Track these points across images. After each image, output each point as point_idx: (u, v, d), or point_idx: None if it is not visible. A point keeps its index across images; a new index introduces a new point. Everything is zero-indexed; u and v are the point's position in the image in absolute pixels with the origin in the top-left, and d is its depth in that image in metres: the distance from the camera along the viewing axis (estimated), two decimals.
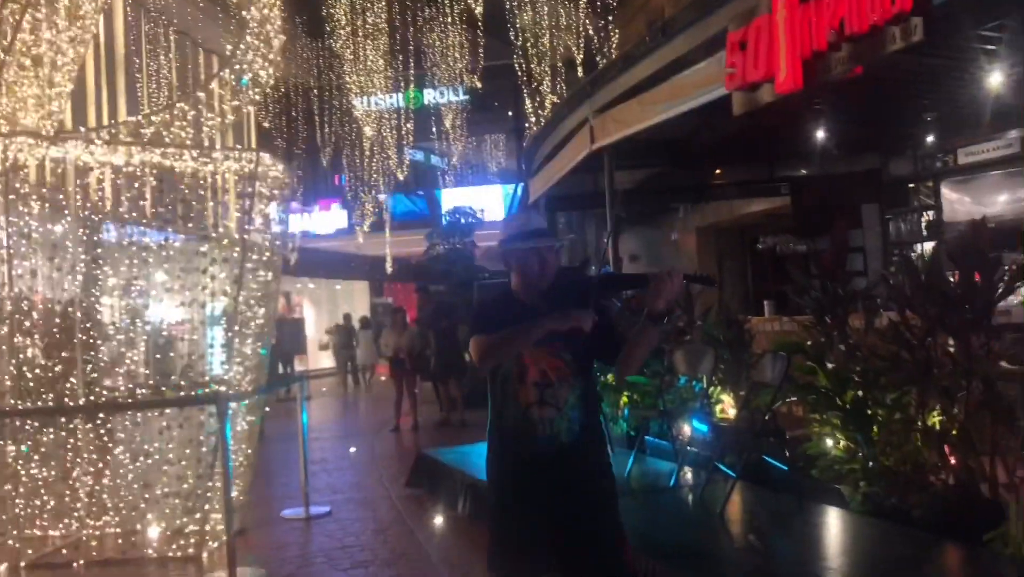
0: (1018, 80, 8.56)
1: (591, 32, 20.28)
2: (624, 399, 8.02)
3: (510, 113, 28.51)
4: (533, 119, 20.80)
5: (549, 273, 3.16)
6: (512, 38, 21.38)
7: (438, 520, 7.03)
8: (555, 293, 3.14)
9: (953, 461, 4.80)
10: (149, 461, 6.54)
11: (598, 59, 19.17)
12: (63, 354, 6.55)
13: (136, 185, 6.63)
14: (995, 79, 8.58)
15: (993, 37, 7.43)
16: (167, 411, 6.54)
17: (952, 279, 5.02)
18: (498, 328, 3.07)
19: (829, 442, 5.46)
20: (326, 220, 29.65)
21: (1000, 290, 4.75)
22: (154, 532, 6.48)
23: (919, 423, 4.97)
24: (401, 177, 26.61)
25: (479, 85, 24.96)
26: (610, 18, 19.93)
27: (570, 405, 3.09)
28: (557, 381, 3.09)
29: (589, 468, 3.14)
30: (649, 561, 4.49)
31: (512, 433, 3.13)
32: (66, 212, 6.63)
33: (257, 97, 7.31)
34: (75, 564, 6.20)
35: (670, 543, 4.89)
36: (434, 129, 26.62)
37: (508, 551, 3.14)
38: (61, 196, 6.60)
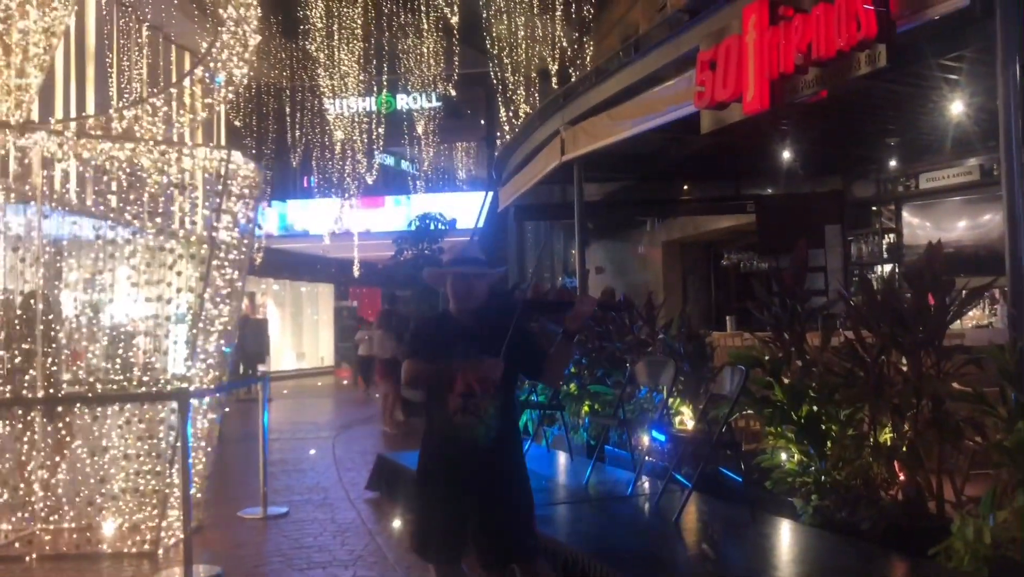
0: (977, 109, 8.79)
1: (566, 45, 20.45)
2: (585, 408, 8.10)
3: (482, 122, 28.61)
4: (506, 128, 20.90)
5: (474, 297, 3.65)
6: (487, 47, 21.48)
7: (396, 523, 7.05)
8: (484, 313, 3.65)
9: (902, 477, 4.93)
10: (107, 456, 6.49)
11: (571, 71, 19.34)
12: (23, 346, 6.49)
13: (104, 179, 6.60)
14: (956, 107, 8.80)
15: (954, 67, 7.63)
16: (127, 406, 6.50)
17: (907, 300, 5.16)
18: (433, 348, 3.58)
19: (783, 455, 5.56)
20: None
21: (952, 312, 4.89)
22: (110, 528, 6.44)
23: (871, 439, 5.08)
24: (370, 181, 26.58)
25: (453, 92, 25.02)
26: (585, 32, 20.11)
27: (490, 415, 3.58)
28: (480, 393, 3.54)
29: (504, 469, 3.65)
30: (582, 555, 4.56)
31: (440, 435, 3.64)
32: (31, 203, 6.57)
33: (231, 96, 7.31)
34: (28, 558, 6.13)
35: (626, 550, 4.96)
36: (406, 135, 26.59)
37: (431, 537, 3.68)
38: (27, 187, 6.55)
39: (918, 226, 12.14)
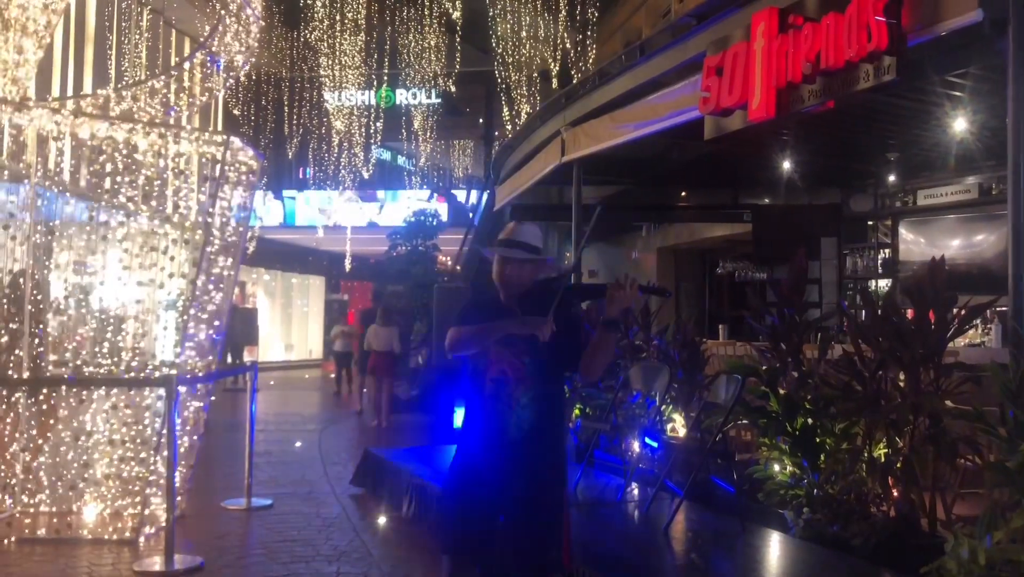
0: (980, 127, 8.77)
1: (568, 47, 20.40)
2: (576, 412, 8.05)
3: (481, 120, 28.55)
4: (507, 128, 20.85)
5: (518, 282, 3.39)
6: (490, 46, 21.42)
7: (382, 520, 6.98)
8: (530, 299, 3.37)
9: (896, 493, 4.89)
10: (91, 440, 6.40)
11: (573, 74, 19.30)
12: (10, 325, 6.40)
13: (100, 160, 6.51)
14: (958, 124, 8.79)
15: (958, 83, 7.61)
16: (114, 391, 6.41)
17: (907, 315, 5.12)
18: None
19: (776, 467, 5.52)
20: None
21: (952, 329, 4.85)
22: (91, 513, 6.35)
23: (865, 454, 5.04)
24: (366, 175, 26.49)
25: (453, 90, 24.95)
26: (588, 35, 20.07)
27: (521, 405, 3.29)
28: (513, 380, 3.30)
29: (533, 468, 3.30)
30: (587, 569, 4.51)
31: (476, 425, 3.37)
32: (25, 181, 6.49)
33: (231, 82, 7.23)
34: (6, 541, 6.04)
35: (614, 557, 4.90)
36: (404, 130, 26.51)
37: (459, 532, 3.35)
38: (21, 165, 6.46)
39: (912, 242, 12.14)
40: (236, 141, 6.66)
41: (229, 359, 19.16)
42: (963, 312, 4.99)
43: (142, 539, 6.17)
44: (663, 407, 6.70)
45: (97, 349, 6.53)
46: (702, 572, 4.69)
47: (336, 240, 26.09)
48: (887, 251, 12.49)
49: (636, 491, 6.47)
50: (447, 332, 3.39)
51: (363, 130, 26.04)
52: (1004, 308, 5.59)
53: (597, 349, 3.37)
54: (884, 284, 12.46)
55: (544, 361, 3.32)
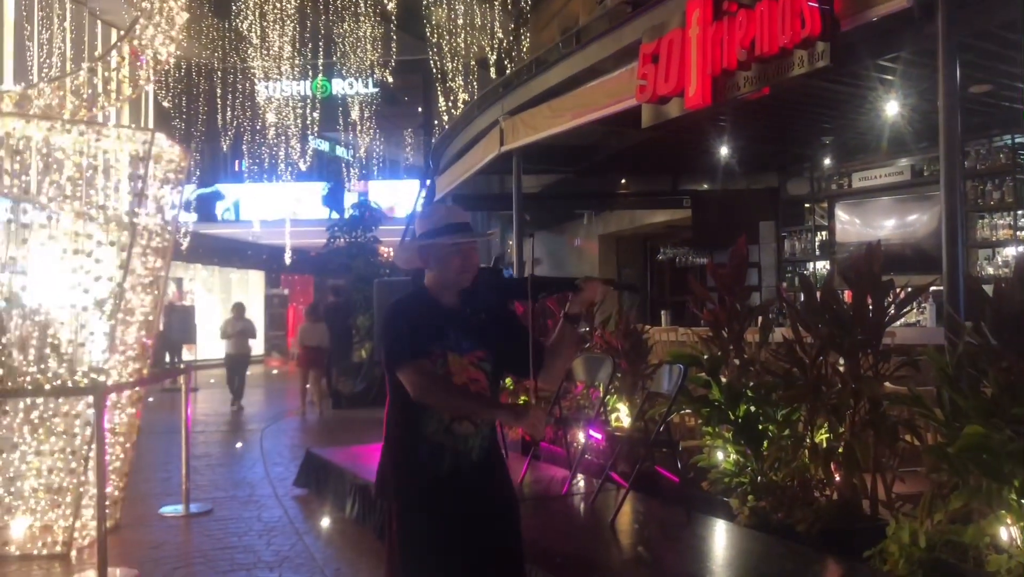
0: (911, 110, 8.90)
1: (505, 34, 20.29)
2: (522, 402, 7.99)
3: (419, 109, 28.31)
4: (444, 117, 20.70)
5: (471, 271, 2.98)
6: (426, 34, 21.22)
7: (325, 522, 6.85)
8: (475, 293, 2.99)
9: (838, 478, 4.92)
10: (17, 452, 6.14)
11: (507, 64, 19.21)
12: None
13: (19, 159, 6.22)
14: (890, 108, 8.90)
15: (890, 67, 7.70)
16: (40, 400, 6.16)
17: (845, 299, 5.15)
18: (424, 340, 2.89)
19: (720, 455, 5.53)
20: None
21: (890, 313, 4.88)
22: (19, 528, 6.10)
23: (807, 440, 5.07)
24: (303, 167, 26.11)
25: (390, 79, 24.70)
26: (524, 22, 19.98)
27: (485, 422, 2.99)
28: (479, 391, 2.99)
29: (496, 485, 3.04)
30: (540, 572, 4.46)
31: (429, 446, 2.92)
32: None
33: (158, 75, 6.98)
34: None
35: (561, 551, 4.85)
36: (341, 120, 26.16)
37: (419, 565, 2.91)
38: None
39: (848, 223, 12.31)
40: (161, 137, 6.44)
41: (168, 358, 18.76)
42: (901, 295, 5.02)
43: (74, 553, 5.95)
44: (607, 398, 6.67)
45: (22, 356, 6.26)
46: (649, 564, 4.67)
47: (274, 233, 25.68)
48: (824, 233, 12.66)
49: (582, 483, 6.44)
50: (396, 356, 2.92)
51: (299, 121, 25.64)
52: (939, 288, 5.67)
53: (561, 347, 3.05)
54: (822, 265, 12.63)
55: (500, 370, 3.06)
